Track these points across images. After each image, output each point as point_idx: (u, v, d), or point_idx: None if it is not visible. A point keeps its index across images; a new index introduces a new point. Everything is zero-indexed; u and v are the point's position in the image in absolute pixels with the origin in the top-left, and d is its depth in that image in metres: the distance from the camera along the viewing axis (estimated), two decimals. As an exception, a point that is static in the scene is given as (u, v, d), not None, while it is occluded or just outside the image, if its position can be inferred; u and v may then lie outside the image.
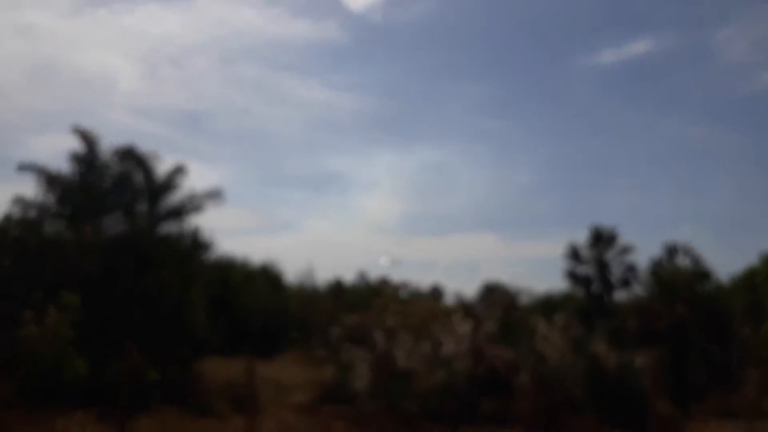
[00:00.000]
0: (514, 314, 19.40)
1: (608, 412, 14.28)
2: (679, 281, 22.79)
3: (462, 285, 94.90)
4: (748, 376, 17.98)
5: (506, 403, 14.49)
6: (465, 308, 20.48)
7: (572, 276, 26.96)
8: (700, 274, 23.18)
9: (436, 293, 39.63)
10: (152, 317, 15.36)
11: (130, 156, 18.17)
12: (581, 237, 27.13)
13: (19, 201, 17.14)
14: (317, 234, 66.61)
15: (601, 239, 26.77)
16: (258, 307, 29.00)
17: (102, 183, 17.92)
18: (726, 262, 64.24)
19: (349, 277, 40.35)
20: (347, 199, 74.39)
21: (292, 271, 52.90)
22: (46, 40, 64.98)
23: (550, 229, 66.47)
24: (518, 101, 78.28)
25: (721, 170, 66.05)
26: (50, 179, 17.34)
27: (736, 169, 65.42)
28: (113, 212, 17.65)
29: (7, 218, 16.85)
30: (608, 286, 26.73)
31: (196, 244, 18.46)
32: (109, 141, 18.22)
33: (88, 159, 17.98)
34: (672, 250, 24.15)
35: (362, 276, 39.28)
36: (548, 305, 30.63)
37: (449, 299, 35.45)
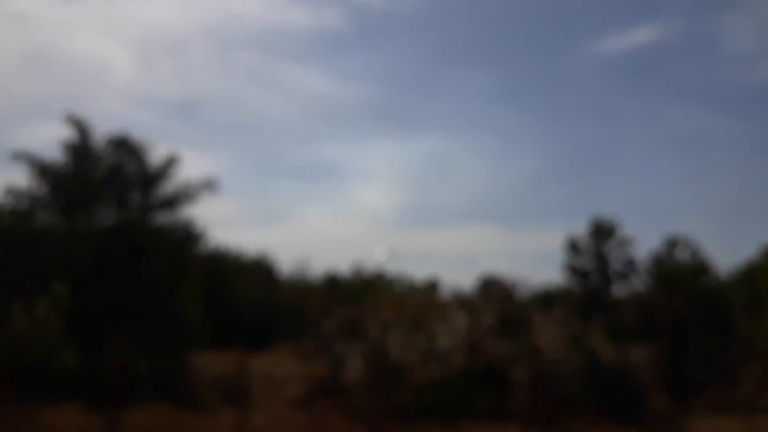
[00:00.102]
0: (511, 307, 19.22)
1: (606, 406, 14.15)
2: (678, 275, 22.62)
3: (461, 278, 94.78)
4: (746, 371, 17.88)
5: (502, 398, 14.33)
6: (461, 301, 20.34)
7: (570, 268, 26.75)
8: (700, 267, 23.00)
9: (432, 286, 39.45)
10: (143, 309, 15.18)
11: (124, 145, 17.95)
12: (582, 228, 26.99)
13: (11, 191, 16.94)
14: (313, 225, 66.34)
15: (601, 231, 26.54)
16: (251, 300, 28.81)
17: (95, 172, 17.70)
18: (727, 254, 64.09)
19: (344, 269, 40.17)
20: (344, 190, 74.15)
21: (286, 263, 52.88)
22: (39, 27, 64.57)
23: (552, 220, 66.11)
24: (521, 89, 77.90)
25: (726, 160, 65.83)
26: (43, 168, 17.13)
27: (740, 159, 65.15)
28: (106, 202, 17.44)
29: (-2, 209, 16.67)
30: (606, 279, 26.54)
31: (189, 235, 18.25)
32: (103, 129, 18.03)
33: (81, 148, 17.77)
34: (672, 243, 23.95)
35: (358, 268, 39.09)
36: (546, 298, 30.49)
37: (446, 292, 35.30)
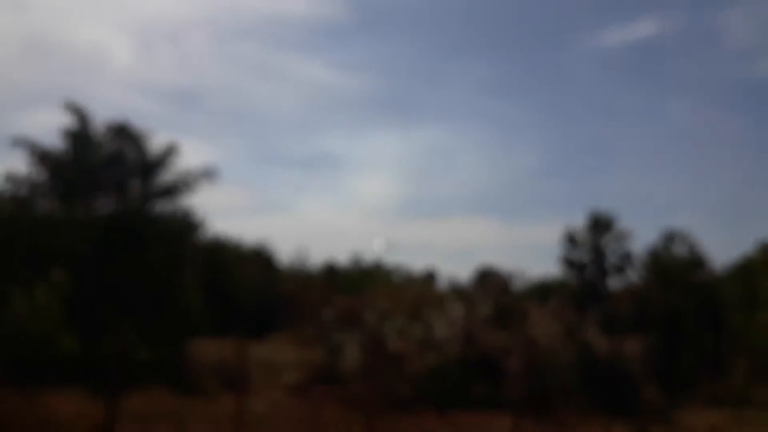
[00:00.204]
0: (507, 299, 19.37)
1: (599, 397, 14.31)
2: (674, 269, 22.78)
3: (459, 269, 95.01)
4: (738, 365, 18.07)
5: (497, 388, 14.48)
6: (458, 292, 20.47)
7: (567, 261, 26.90)
8: (696, 262, 23.16)
9: (429, 277, 39.61)
10: (143, 296, 15.28)
11: (124, 132, 17.97)
12: (580, 222, 27.14)
13: (11, 178, 16.97)
14: (312, 215, 66.36)
15: (599, 224, 26.68)
16: (250, 288, 28.98)
17: (95, 159, 17.73)
18: (724, 249, 64.13)
19: (343, 259, 40.33)
20: (343, 181, 74.00)
21: (285, 252, 52.96)
22: (38, 14, 64.17)
23: (550, 214, 66.09)
24: (521, 82, 77.56)
25: (725, 155, 65.79)
26: (42, 155, 17.14)
27: (739, 155, 65.16)
28: (105, 189, 17.49)
29: (-1, 196, 16.71)
30: (603, 272, 26.70)
31: (188, 224, 18.33)
32: (103, 117, 18.05)
33: (80, 135, 17.79)
34: (669, 237, 24.10)
35: (356, 259, 39.26)
36: (543, 290, 30.69)
37: (444, 283, 35.47)
